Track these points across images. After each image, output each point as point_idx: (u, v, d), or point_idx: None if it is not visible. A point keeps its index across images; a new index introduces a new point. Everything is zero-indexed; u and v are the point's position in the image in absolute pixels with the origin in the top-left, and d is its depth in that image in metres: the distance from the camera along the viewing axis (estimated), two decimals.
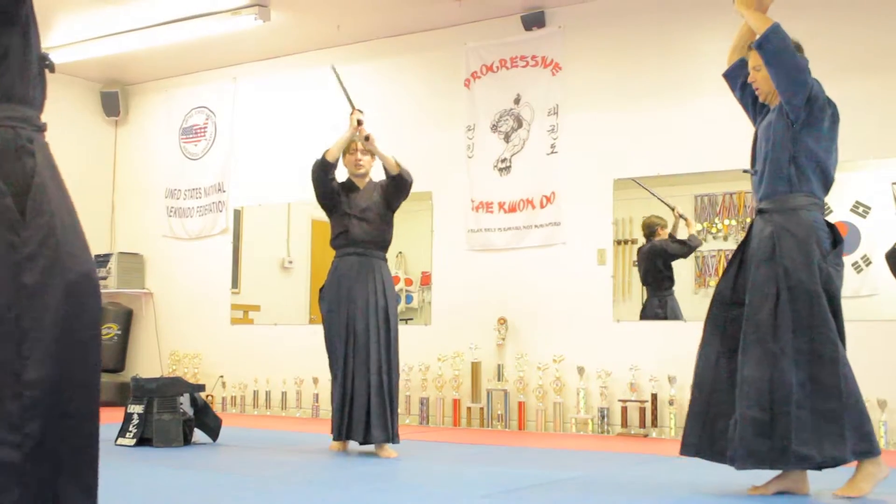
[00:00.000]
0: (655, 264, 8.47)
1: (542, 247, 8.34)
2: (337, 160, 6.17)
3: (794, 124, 4.28)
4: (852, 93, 7.27)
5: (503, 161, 8.59)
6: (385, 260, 6.28)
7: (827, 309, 4.13)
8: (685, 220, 8.46)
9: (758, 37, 4.30)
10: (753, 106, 4.67)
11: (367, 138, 6.19)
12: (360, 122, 6.19)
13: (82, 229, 2.33)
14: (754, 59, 4.50)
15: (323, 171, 6.14)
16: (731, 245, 8.53)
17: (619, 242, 8.55)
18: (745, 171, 4.65)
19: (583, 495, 4.46)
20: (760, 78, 4.49)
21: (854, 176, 7.97)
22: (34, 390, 2.14)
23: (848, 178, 8.02)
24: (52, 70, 2.49)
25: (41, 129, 2.31)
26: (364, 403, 5.86)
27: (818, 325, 4.10)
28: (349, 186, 6.29)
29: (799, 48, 4.44)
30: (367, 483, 4.77)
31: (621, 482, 4.93)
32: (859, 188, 7.94)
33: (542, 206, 8.36)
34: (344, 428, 5.88)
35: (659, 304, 8.36)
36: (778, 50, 4.26)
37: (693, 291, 8.67)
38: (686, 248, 8.44)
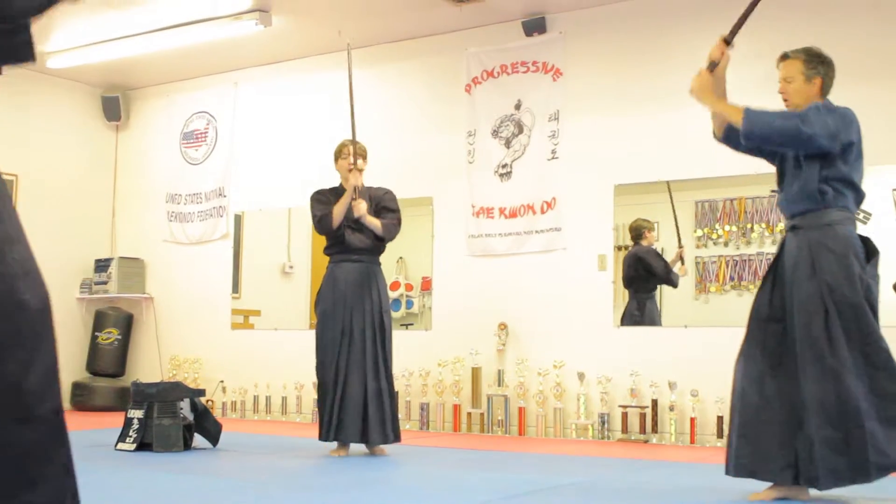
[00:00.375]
0: (637, 270, 8.48)
1: (543, 252, 8.34)
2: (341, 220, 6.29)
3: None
4: (853, 99, 7.23)
5: (504, 166, 8.59)
6: (380, 265, 6.41)
7: (873, 319, 4.14)
8: (682, 262, 8.52)
9: (740, 130, 4.30)
10: (761, 150, 4.63)
11: (357, 192, 6.26)
12: (355, 190, 6.25)
13: (22, 238, 2.09)
14: (784, 71, 4.51)
15: (332, 231, 6.29)
16: (732, 251, 8.55)
17: (619, 248, 8.55)
18: (773, 192, 4.62)
19: (583, 501, 4.45)
20: (791, 90, 4.49)
21: None
22: None
23: None
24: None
25: None
26: (359, 406, 5.98)
27: (868, 336, 4.11)
28: (341, 194, 6.36)
29: (819, 59, 4.44)
30: (366, 488, 4.77)
31: (621, 488, 4.93)
32: None
33: (542, 212, 8.36)
34: (333, 429, 5.99)
35: (637, 306, 8.37)
36: (764, 134, 4.29)
37: (693, 297, 8.67)
38: (664, 271, 8.50)
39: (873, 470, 4.03)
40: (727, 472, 4.33)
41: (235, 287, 10.29)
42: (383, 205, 6.41)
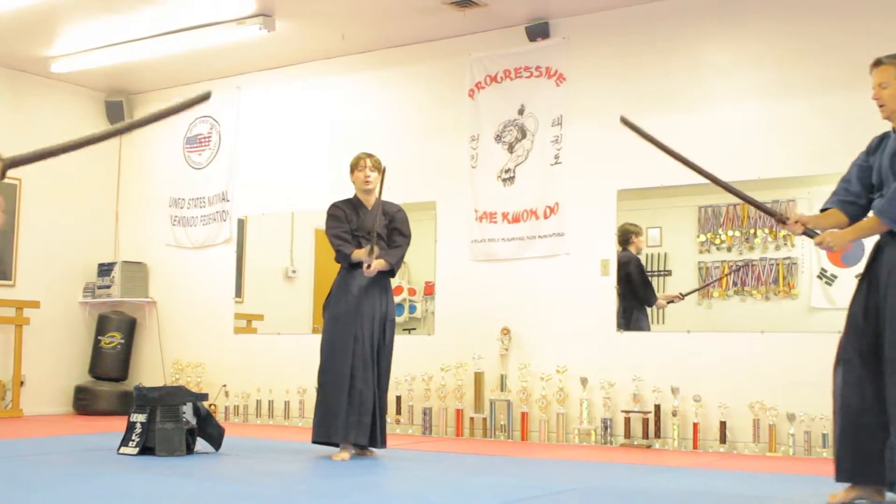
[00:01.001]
0: (619, 275, 8.42)
1: (546, 257, 8.34)
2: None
3: None
4: (857, 105, 7.26)
5: (507, 171, 8.59)
6: (388, 277, 6.53)
7: None
8: (669, 301, 8.53)
9: (887, 222, 4.32)
10: (870, 182, 4.62)
11: (368, 266, 6.29)
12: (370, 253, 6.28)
13: None
14: (879, 77, 4.48)
15: (344, 264, 6.44)
16: (735, 256, 8.54)
17: None
18: (872, 197, 4.59)
19: None
20: (886, 95, 4.45)
21: None
22: None
23: None
24: None
25: None
26: (370, 411, 6.12)
27: None
28: (356, 205, 6.47)
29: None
30: (369, 493, 4.77)
31: (624, 493, 4.92)
32: None
33: (545, 217, 8.36)
34: (339, 432, 6.10)
35: (624, 312, 8.33)
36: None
37: (696, 303, 8.66)
38: (642, 287, 8.48)
39: None
40: (835, 479, 4.34)
41: (238, 291, 10.29)
42: (395, 226, 6.53)
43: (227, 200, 10.23)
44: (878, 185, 4.52)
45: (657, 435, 7.64)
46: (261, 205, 10.09)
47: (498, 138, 8.66)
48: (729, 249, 8.55)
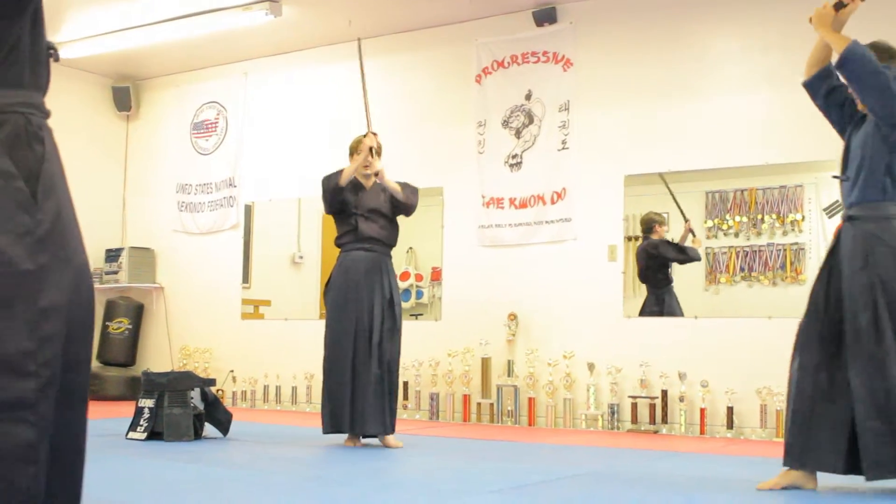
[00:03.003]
0: (649, 263, 8.45)
1: (553, 243, 8.34)
2: (349, 181, 6.27)
3: (889, 138, 4.25)
4: None
5: (514, 157, 8.58)
6: (391, 257, 6.38)
7: None
8: (693, 235, 8.45)
9: (837, 58, 4.26)
10: (839, 113, 4.59)
11: (375, 174, 6.26)
12: (371, 151, 6.27)
13: (77, 225, 2.37)
14: None
15: (335, 192, 6.24)
16: (742, 241, 8.53)
17: (629, 238, 8.54)
18: (834, 177, 4.58)
19: (593, 491, 4.45)
20: None
21: None
22: (48, 369, 2.16)
23: None
24: (57, 59, 2.51)
25: (47, 115, 2.36)
26: (368, 397, 5.98)
27: None
28: (356, 185, 6.35)
29: (889, 52, 4.40)
30: (376, 478, 4.78)
31: (631, 478, 4.93)
32: None
33: (552, 202, 8.35)
34: (348, 423, 6.00)
35: (656, 300, 8.34)
36: (858, 69, 4.23)
37: (703, 288, 8.66)
38: (683, 255, 8.43)
39: None
40: (783, 463, 4.34)
41: (245, 277, 10.31)
42: (401, 182, 6.40)
43: (234, 186, 10.23)
44: (845, 149, 4.51)
45: (664, 420, 7.64)
46: (268, 191, 10.09)
47: (505, 124, 8.65)
48: (736, 235, 8.54)
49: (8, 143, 2.24)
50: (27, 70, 2.31)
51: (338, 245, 6.38)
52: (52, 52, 2.44)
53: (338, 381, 6.06)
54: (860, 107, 4.45)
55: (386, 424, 6.04)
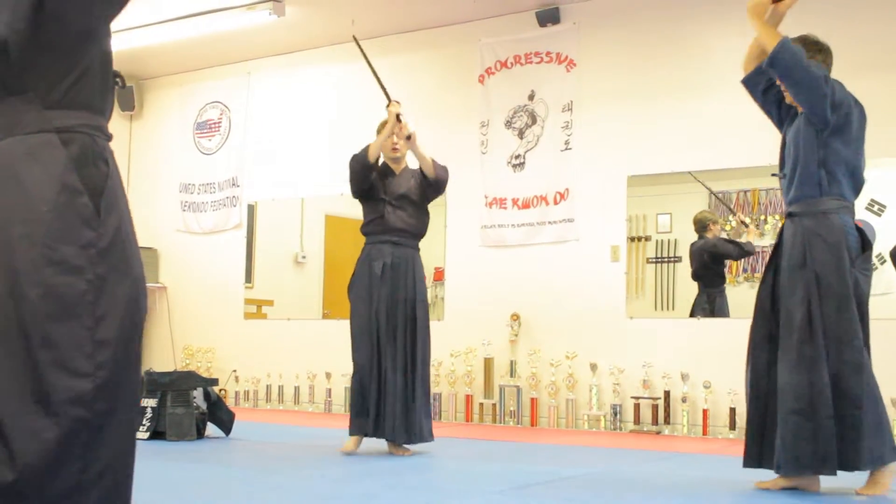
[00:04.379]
0: (704, 261, 8.41)
1: (556, 243, 8.34)
2: (378, 158, 5.93)
3: (822, 133, 4.26)
4: (867, 90, 7.21)
5: (517, 157, 8.58)
6: (418, 250, 6.00)
7: (856, 316, 4.13)
8: (746, 226, 8.38)
9: (768, 54, 4.27)
10: (778, 110, 4.62)
11: (408, 137, 6.01)
12: (398, 118, 6.00)
13: (136, 240, 2.55)
14: None
15: (365, 169, 5.83)
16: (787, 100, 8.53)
17: (632, 239, 8.54)
18: (773, 175, 4.61)
19: (595, 492, 4.46)
20: None
21: (868, 174, 7.91)
22: (104, 371, 2.35)
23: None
24: (123, 87, 2.82)
25: (110, 138, 2.54)
26: (393, 402, 5.62)
27: (846, 333, 4.10)
28: (385, 171, 6.02)
29: (817, 46, 4.41)
30: (379, 478, 4.78)
31: (633, 479, 4.93)
32: (875, 186, 7.89)
33: (555, 203, 8.36)
34: (371, 425, 5.63)
35: (707, 300, 8.30)
36: (789, 67, 4.24)
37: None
38: (738, 249, 8.32)
39: (837, 463, 4.05)
40: (742, 465, 4.36)
41: (248, 277, 10.31)
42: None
43: (237, 186, 10.24)
44: (781, 146, 4.53)
45: (667, 421, 7.64)
46: (271, 190, 10.09)
47: (508, 124, 8.65)
48: (739, 235, 8.52)
49: (76, 160, 2.42)
50: (96, 95, 2.50)
51: (364, 233, 5.97)
52: (118, 80, 2.69)
53: (362, 383, 5.68)
54: (788, 100, 4.48)
55: (411, 433, 5.65)
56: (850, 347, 4.10)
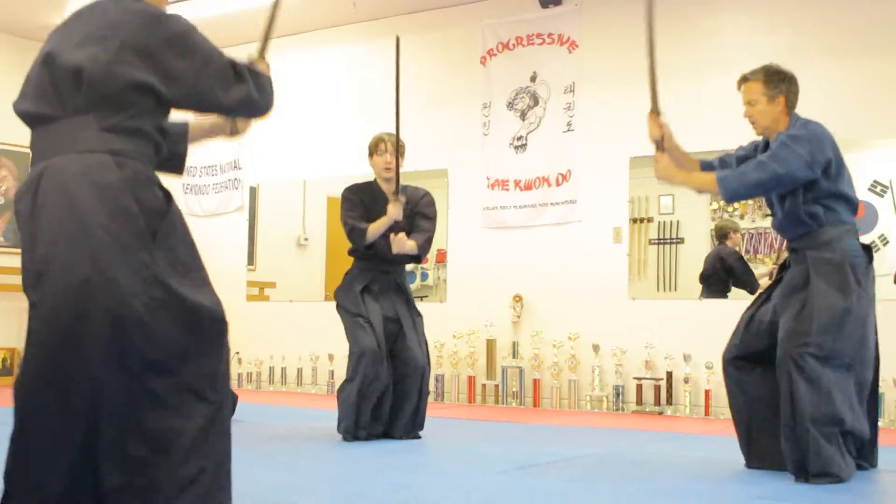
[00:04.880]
0: (716, 268, 8.38)
1: (558, 225, 8.34)
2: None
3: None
4: (870, 71, 7.23)
5: (519, 139, 8.57)
6: (405, 274, 5.90)
7: (852, 336, 4.11)
8: (770, 278, 8.37)
9: (721, 195, 4.30)
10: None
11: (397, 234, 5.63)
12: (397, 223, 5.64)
13: (199, 264, 2.82)
14: (746, 94, 4.49)
15: (360, 248, 5.66)
16: (748, 224, 8.54)
17: (634, 221, 8.55)
18: (766, 216, 4.60)
19: (597, 472, 4.47)
20: (756, 112, 4.46)
21: (871, 155, 7.94)
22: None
23: (865, 158, 7.99)
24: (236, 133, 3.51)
25: (158, 181, 2.72)
26: (393, 399, 5.53)
27: (834, 349, 4.08)
28: (375, 193, 5.82)
29: (779, 76, 4.44)
30: (381, 459, 4.80)
31: (636, 459, 4.95)
32: (876, 167, 7.91)
33: (557, 184, 8.35)
34: (365, 422, 5.44)
35: None
36: (745, 191, 4.29)
37: None
38: (745, 280, 8.25)
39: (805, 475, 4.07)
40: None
41: (251, 259, 10.32)
42: (419, 210, 5.80)
43: (239, 168, 10.23)
44: (769, 201, 4.54)
45: (669, 402, 7.66)
46: (273, 173, 10.09)
47: (510, 106, 8.64)
48: (742, 217, 8.53)
49: (130, 183, 2.55)
50: (153, 129, 2.73)
51: (351, 255, 5.84)
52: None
53: (366, 376, 5.41)
54: (759, 132, 4.54)
55: (421, 425, 5.63)
56: (837, 366, 4.06)
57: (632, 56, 8.15)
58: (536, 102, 8.52)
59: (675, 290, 8.85)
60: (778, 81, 4.40)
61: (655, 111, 4.56)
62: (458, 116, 8.91)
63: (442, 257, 9.40)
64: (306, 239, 10.58)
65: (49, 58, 2.70)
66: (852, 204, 4.33)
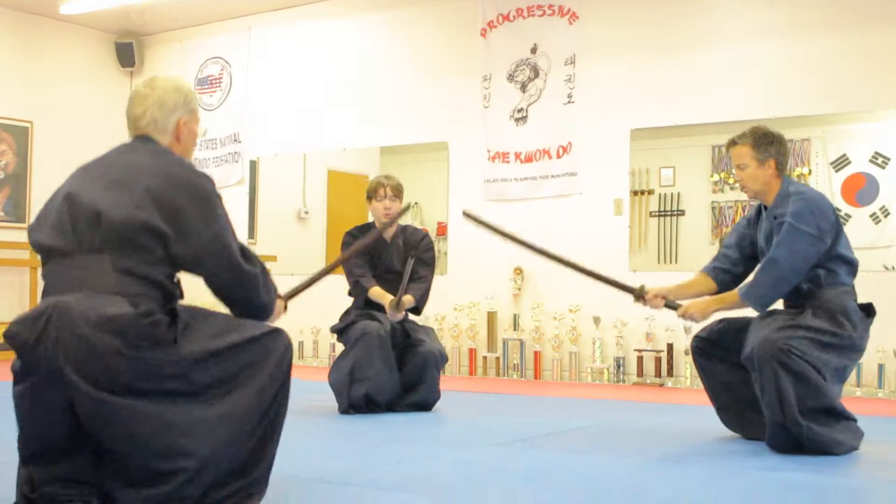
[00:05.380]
0: None
1: (559, 197, 8.33)
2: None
3: None
4: (872, 43, 7.19)
5: (519, 111, 8.55)
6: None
7: (834, 358, 4.12)
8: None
9: (752, 306, 4.34)
10: (753, 248, 4.60)
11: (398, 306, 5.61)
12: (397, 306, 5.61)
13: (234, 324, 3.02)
14: (736, 158, 4.45)
15: (364, 297, 5.71)
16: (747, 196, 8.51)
17: (635, 193, 8.54)
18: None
19: (598, 444, 4.49)
20: (746, 176, 4.42)
21: (872, 127, 7.92)
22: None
23: (867, 130, 7.98)
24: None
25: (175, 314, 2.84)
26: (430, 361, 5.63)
27: (819, 350, 4.09)
28: (376, 239, 5.74)
29: (767, 139, 4.38)
30: (383, 432, 4.81)
31: (636, 431, 4.97)
32: (878, 139, 7.89)
33: (558, 157, 8.33)
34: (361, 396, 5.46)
35: None
36: (772, 294, 4.29)
37: (709, 242, 8.67)
38: None
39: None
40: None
41: (251, 233, 10.32)
42: (418, 255, 5.76)
43: (239, 142, 10.21)
44: (759, 246, 4.54)
45: (669, 374, 7.67)
46: (273, 146, 10.07)
47: (510, 78, 8.61)
48: (742, 189, 8.51)
49: (143, 317, 2.65)
50: (166, 277, 2.83)
51: (350, 295, 5.85)
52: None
53: (368, 348, 5.45)
54: (750, 196, 4.53)
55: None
56: (823, 363, 4.07)
57: (632, 27, 8.14)
58: (537, 74, 8.49)
59: (676, 262, 8.84)
60: (767, 144, 4.36)
61: (640, 297, 4.75)
62: (458, 89, 8.88)
63: (442, 230, 9.40)
64: (307, 212, 10.57)
65: (71, 196, 2.81)
66: (852, 266, 4.32)
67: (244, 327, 2.96)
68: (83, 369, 2.57)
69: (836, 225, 4.27)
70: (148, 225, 2.71)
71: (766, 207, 4.46)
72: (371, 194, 5.84)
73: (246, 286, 3.06)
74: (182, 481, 2.63)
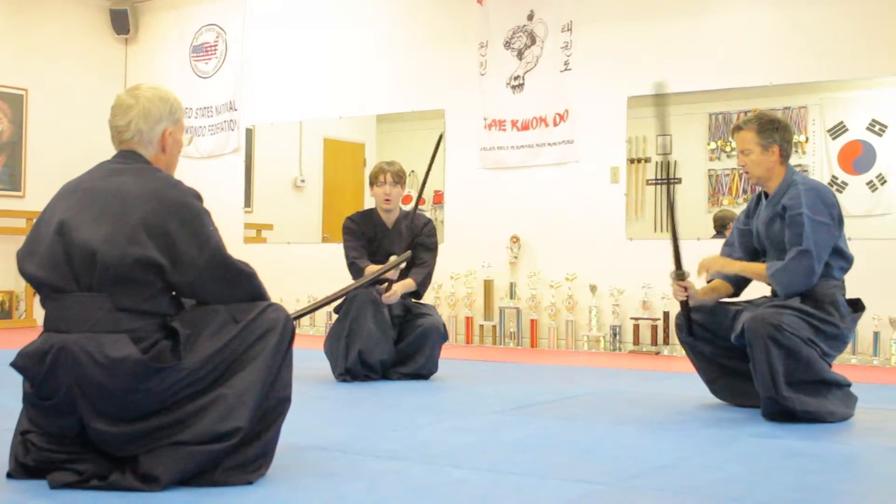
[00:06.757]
0: None
1: (555, 165, 8.31)
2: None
3: None
4: (869, 10, 7.16)
5: (516, 78, 8.52)
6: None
7: (821, 331, 4.13)
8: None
9: (777, 288, 4.28)
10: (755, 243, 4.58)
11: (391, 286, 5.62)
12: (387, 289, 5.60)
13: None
14: (740, 144, 4.42)
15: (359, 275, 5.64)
16: (750, 182, 8.50)
17: (632, 161, 8.51)
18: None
19: (594, 411, 4.50)
20: (750, 162, 4.40)
21: (870, 94, 7.90)
22: None
23: (864, 97, 7.96)
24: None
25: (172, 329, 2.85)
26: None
27: (804, 326, 4.10)
28: (376, 223, 5.86)
29: (773, 126, 4.38)
30: (379, 400, 4.83)
31: (632, 398, 4.98)
32: (875, 106, 7.87)
33: (555, 124, 8.31)
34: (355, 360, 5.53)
35: None
36: (798, 283, 4.20)
37: (706, 210, 8.65)
38: None
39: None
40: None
41: (248, 201, 10.30)
42: (420, 241, 5.78)
43: (235, 110, 10.18)
44: (763, 251, 4.52)
45: (666, 342, 7.69)
46: (269, 114, 10.03)
47: (507, 45, 8.57)
48: (746, 175, 8.49)
49: (148, 352, 2.72)
50: (166, 306, 2.84)
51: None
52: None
53: (360, 314, 5.50)
54: (754, 181, 4.50)
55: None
56: (801, 340, 4.07)
57: None
58: (534, 42, 8.45)
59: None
60: (772, 131, 4.34)
61: (679, 274, 4.49)
62: (454, 56, 8.84)
63: (439, 198, 9.39)
64: (303, 181, 10.55)
65: (63, 229, 2.77)
66: (847, 260, 4.32)
67: (239, 311, 2.94)
68: (97, 406, 2.67)
69: (841, 217, 4.28)
70: (143, 260, 2.72)
71: (766, 195, 4.45)
72: (372, 180, 5.86)
73: (247, 288, 3.10)
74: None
